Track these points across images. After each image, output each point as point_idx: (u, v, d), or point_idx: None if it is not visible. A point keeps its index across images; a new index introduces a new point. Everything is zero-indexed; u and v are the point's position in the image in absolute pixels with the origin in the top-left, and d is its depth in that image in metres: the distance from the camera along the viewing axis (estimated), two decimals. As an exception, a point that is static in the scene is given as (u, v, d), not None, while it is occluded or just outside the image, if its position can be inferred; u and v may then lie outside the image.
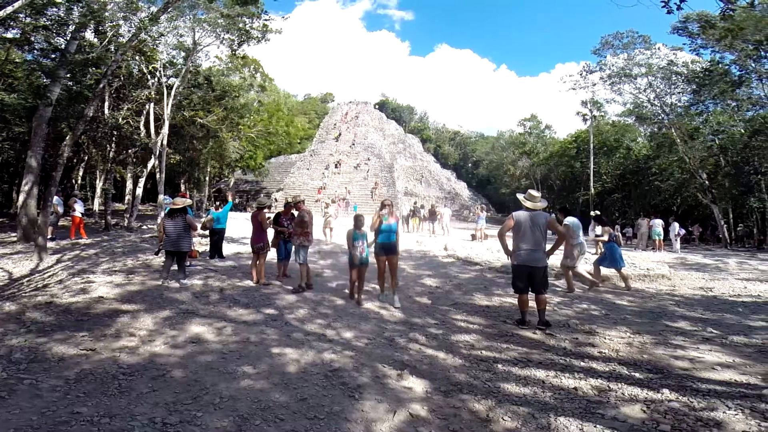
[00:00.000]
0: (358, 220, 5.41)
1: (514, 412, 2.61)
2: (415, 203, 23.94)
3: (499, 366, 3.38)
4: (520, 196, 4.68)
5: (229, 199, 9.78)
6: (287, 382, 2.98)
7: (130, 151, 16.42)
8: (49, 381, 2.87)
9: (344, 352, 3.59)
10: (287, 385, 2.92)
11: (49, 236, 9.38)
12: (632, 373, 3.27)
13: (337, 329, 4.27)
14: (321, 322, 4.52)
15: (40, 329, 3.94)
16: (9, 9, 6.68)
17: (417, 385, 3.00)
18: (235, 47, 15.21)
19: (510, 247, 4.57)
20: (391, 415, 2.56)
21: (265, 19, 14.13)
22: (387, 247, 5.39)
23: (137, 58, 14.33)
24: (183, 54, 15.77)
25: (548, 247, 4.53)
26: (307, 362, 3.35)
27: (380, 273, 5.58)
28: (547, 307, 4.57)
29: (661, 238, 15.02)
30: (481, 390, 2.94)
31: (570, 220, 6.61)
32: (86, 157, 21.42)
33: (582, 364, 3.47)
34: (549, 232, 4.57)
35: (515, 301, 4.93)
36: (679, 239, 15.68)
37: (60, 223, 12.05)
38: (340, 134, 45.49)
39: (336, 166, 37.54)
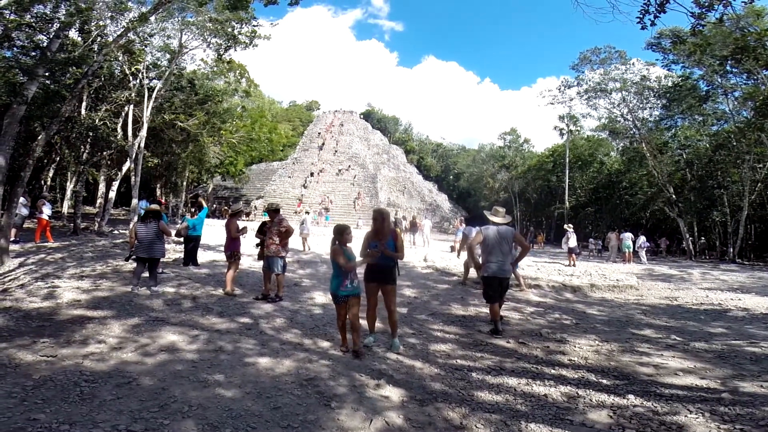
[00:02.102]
0: (342, 233, 3.84)
1: (487, 420, 2.66)
2: (396, 214, 24.08)
3: (474, 374, 3.43)
4: (486, 213, 5.05)
5: (205, 205, 9.52)
6: (261, 390, 2.93)
7: (105, 153, 15.85)
8: (4, 387, 2.75)
9: (321, 362, 3.56)
10: (260, 394, 2.87)
11: (12, 238, 8.90)
12: (600, 380, 3.38)
13: (315, 339, 4.23)
14: (297, 331, 4.46)
15: (-4, 335, 3.75)
16: None
17: (393, 394, 3.00)
18: (222, 51, 15.05)
19: (479, 260, 4.86)
20: (367, 423, 2.56)
21: (254, 25, 14.11)
22: (378, 271, 3.98)
23: (121, 58, 13.96)
24: (168, 56, 15.48)
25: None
26: (282, 371, 3.31)
27: (370, 307, 4.13)
28: (518, 317, 4.92)
29: (631, 250, 15.68)
30: (455, 398, 2.97)
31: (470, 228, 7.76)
32: (58, 158, 20.51)
33: (552, 371, 3.57)
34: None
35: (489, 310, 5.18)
36: (643, 251, 16.40)
37: (25, 225, 11.45)
38: (324, 143, 45.44)
39: (312, 175, 37.23)
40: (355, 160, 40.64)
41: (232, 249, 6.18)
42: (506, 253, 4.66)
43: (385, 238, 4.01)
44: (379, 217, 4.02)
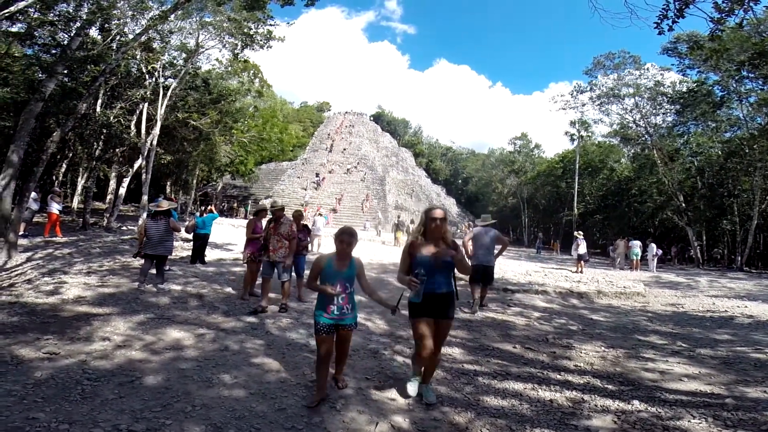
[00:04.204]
0: (343, 238, 2.85)
1: (492, 424, 2.64)
2: (398, 216, 23.97)
3: (480, 379, 3.41)
4: (477, 221, 6.78)
5: (213, 211, 9.59)
6: (266, 391, 2.91)
7: (117, 149, 16.08)
8: (4, 385, 2.72)
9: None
10: (265, 395, 2.86)
11: (21, 232, 9.03)
12: (605, 385, 3.37)
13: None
14: (303, 332, 4.44)
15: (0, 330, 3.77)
16: (21, 3, 6.63)
17: (400, 397, 2.98)
18: (238, 51, 15.29)
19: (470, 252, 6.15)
20: (373, 426, 2.54)
21: (270, 24, 14.31)
22: (436, 301, 2.76)
23: (139, 56, 14.20)
24: (184, 55, 15.73)
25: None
26: (288, 372, 3.29)
27: (423, 345, 2.74)
28: (524, 322, 5.25)
29: (639, 258, 15.51)
30: (461, 402, 2.95)
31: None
32: (70, 154, 20.85)
33: (558, 376, 3.55)
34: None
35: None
36: (656, 259, 16.21)
37: (35, 220, 11.62)
38: (333, 144, 45.60)
39: (318, 176, 37.26)
40: (364, 162, 40.69)
41: (250, 250, 5.80)
42: (490, 247, 6.11)
43: (444, 253, 2.76)
44: (441, 217, 2.79)
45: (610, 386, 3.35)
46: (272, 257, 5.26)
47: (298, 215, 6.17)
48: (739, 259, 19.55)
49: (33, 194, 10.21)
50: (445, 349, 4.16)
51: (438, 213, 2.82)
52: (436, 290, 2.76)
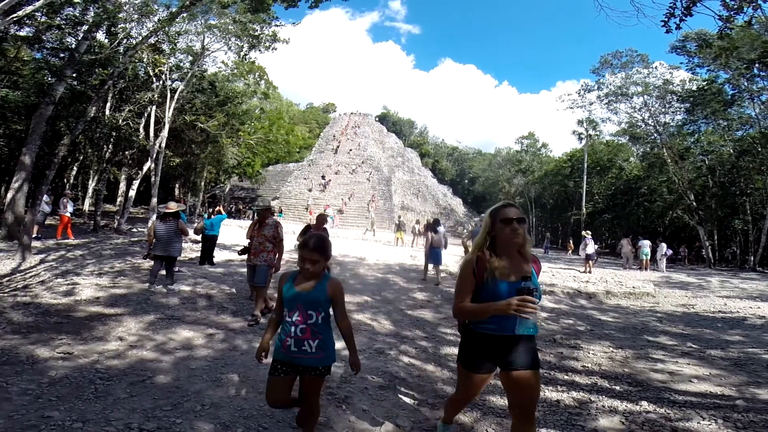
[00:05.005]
0: (304, 254, 2.05)
1: (498, 424, 2.65)
2: (399, 217, 23.95)
3: (485, 379, 3.40)
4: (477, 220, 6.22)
5: (223, 212, 9.66)
6: (272, 390, 2.96)
7: (126, 152, 16.36)
8: (20, 384, 2.77)
9: (334, 363, 3.56)
10: (272, 394, 2.90)
11: (34, 234, 9.20)
12: (613, 386, 3.36)
13: (325, 338, 4.25)
14: (309, 330, 4.48)
15: (16, 330, 3.85)
16: (29, 8, 6.76)
17: (405, 397, 3.00)
18: (244, 53, 15.51)
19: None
20: (378, 426, 2.56)
21: (276, 25, 14.47)
22: (499, 346, 1.86)
23: (146, 59, 14.43)
24: (190, 58, 15.96)
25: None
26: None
27: (467, 395, 2.14)
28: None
29: (648, 258, 15.32)
30: (467, 403, 2.96)
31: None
32: (81, 157, 21.26)
33: (565, 377, 3.54)
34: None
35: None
36: (665, 259, 15.98)
37: (47, 222, 11.84)
38: (339, 145, 45.76)
39: (324, 178, 37.37)
40: (370, 163, 40.74)
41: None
42: None
43: (523, 269, 1.88)
44: (519, 217, 1.90)
45: (617, 387, 3.33)
46: (252, 261, 4.86)
47: (321, 218, 6.08)
48: (752, 259, 19.17)
49: (45, 197, 10.41)
50: (450, 349, 4.15)
51: (514, 212, 1.89)
52: (516, 330, 1.81)
